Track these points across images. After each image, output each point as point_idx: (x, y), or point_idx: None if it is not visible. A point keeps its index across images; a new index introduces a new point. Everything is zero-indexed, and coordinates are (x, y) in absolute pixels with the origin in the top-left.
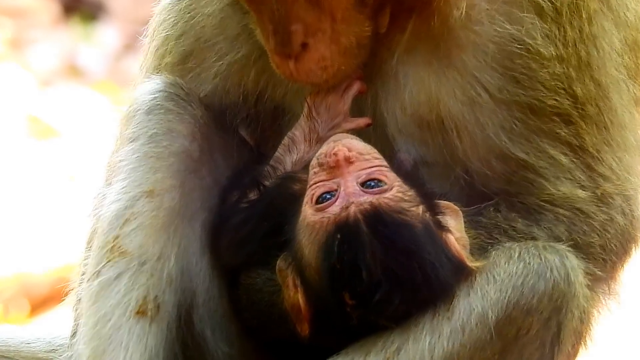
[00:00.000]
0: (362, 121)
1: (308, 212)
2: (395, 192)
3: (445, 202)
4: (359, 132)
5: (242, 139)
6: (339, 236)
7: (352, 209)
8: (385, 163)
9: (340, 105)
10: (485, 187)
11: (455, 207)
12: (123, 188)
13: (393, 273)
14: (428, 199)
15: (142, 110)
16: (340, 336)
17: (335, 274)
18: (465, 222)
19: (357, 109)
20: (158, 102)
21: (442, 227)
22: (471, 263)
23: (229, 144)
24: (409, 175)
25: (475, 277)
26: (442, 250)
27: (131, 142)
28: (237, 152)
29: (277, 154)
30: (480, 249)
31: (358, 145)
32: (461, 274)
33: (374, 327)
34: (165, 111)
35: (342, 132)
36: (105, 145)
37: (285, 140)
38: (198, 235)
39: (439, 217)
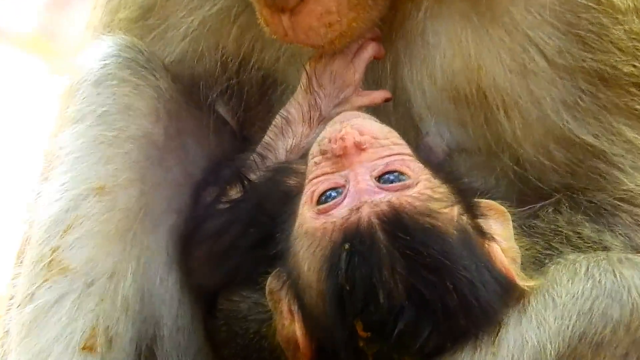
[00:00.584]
0: (378, 95)
1: (307, 215)
2: (422, 188)
3: (488, 201)
4: (374, 110)
5: (221, 119)
6: (347, 247)
7: (365, 211)
8: (408, 150)
9: (349, 75)
10: (542, 182)
11: (502, 207)
12: (64, 184)
13: (420, 296)
14: (465, 197)
15: (89, 81)
16: None
17: (343, 297)
18: (515, 227)
19: (372, 80)
20: (110, 71)
21: (485, 235)
22: (523, 281)
23: (204, 126)
24: (440, 167)
25: (529, 300)
26: (485, 265)
27: (75, 123)
28: (215, 136)
29: (266, 138)
30: (535, 263)
31: (372, 126)
32: (510, 295)
33: None
34: (119, 82)
35: (351, 110)
36: (40, 126)
37: (278, 120)
38: (163, 246)
39: (479, 221)
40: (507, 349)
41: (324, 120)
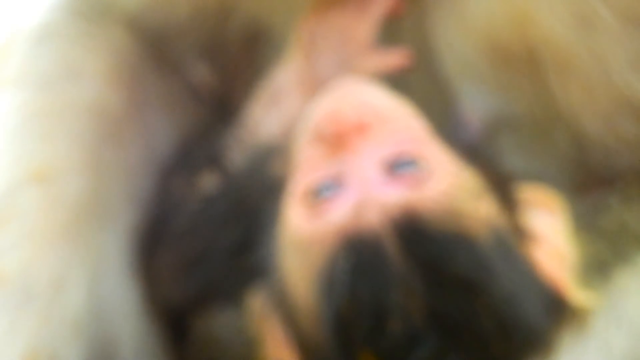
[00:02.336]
0: (395, 57)
1: (296, 216)
2: (443, 179)
3: (533, 189)
4: (390, 77)
5: (195, 85)
6: (347, 262)
7: (370, 212)
8: (425, 129)
9: (358, 30)
10: (605, 163)
11: (552, 197)
12: None
13: (443, 319)
14: (503, 185)
15: (30, 37)
16: None
17: (344, 324)
18: (569, 222)
19: (389, 36)
20: (56, 24)
21: (527, 235)
22: (579, 294)
23: (174, 92)
24: (470, 148)
25: (589, 317)
26: (526, 276)
27: (14, 86)
28: (188, 104)
29: (250, 112)
30: (596, 269)
31: (378, 99)
32: (561, 312)
33: None
34: (67, 38)
35: (358, 76)
36: None
37: (265, 89)
38: (121, 246)
39: (521, 216)
40: None
41: (323, 87)
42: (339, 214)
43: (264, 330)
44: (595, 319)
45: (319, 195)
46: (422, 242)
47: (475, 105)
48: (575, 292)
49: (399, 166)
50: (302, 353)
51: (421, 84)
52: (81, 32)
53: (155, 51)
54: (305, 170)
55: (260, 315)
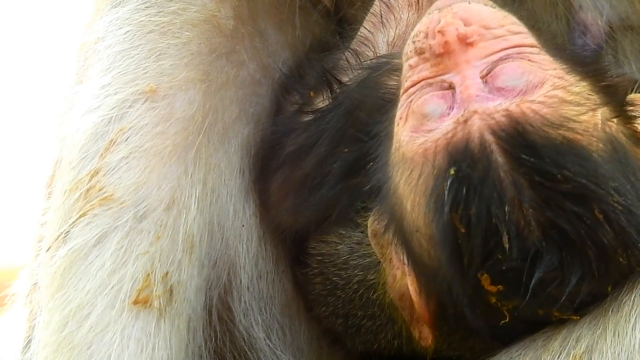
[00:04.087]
0: None
1: (403, 135)
2: (551, 89)
3: None
4: None
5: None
6: (453, 173)
7: (476, 123)
8: (531, 39)
9: None
10: None
11: None
12: (104, 87)
13: (561, 234)
14: (620, 93)
15: None
16: (486, 343)
17: (458, 243)
18: None
19: None
20: None
21: None
22: None
23: (287, 4)
24: (580, 57)
25: None
26: None
27: (116, 6)
28: (301, 18)
29: (362, 30)
30: None
31: (481, 12)
32: None
33: (543, 322)
34: None
35: None
36: (72, 13)
37: (376, 5)
38: (237, 165)
39: (636, 125)
40: None
41: (432, 3)
42: (446, 127)
43: (385, 253)
44: None
45: (425, 109)
46: (530, 151)
47: (598, 8)
48: None
49: (504, 76)
50: (422, 279)
51: None
52: None
53: None
54: (412, 84)
55: (380, 237)
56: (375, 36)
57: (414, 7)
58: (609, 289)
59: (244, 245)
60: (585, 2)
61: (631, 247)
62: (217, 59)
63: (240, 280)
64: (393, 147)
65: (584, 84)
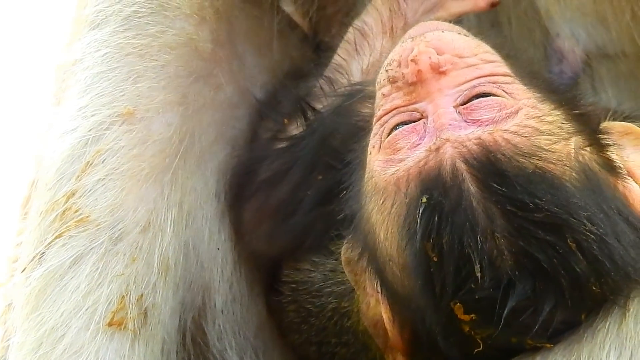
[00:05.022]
0: None
1: (376, 163)
2: (524, 118)
3: (623, 123)
4: (483, 13)
5: (287, 20)
6: (425, 201)
7: (448, 152)
8: (504, 68)
9: None
10: None
11: None
12: (82, 109)
13: (534, 263)
14: (590, 122)
15: None
16: None
17: (431, 272)
18: None
19: None
20: None
21: (618, 171)
22: None
23: (265, 29)
24: (564, 81)
25: None
26: (618, 212)
27: (94, 28)
28: (279, 42)
29: (336, 58)
30: None
31: (454, 40)
32: None
33: (517, 350)
34: None
35: (446, 17)
36: (50, 33)
37: (351, 33)
38: (212, 188)
39: (610, 152)
40: None
41: (407, 31)
42: (418, 155)
43: (359, 280)
44: None
45: (398, 138)
46: (502, 180)
47: (574, 36)
48: None
49: (476, 104)
50: (396, 307)
51: (518, 13)
52: None
53: None
54: (385, 112)
55: (354, 264)
56: (349, 63)
57: (387, 34)
58: (583, 317)
59: (219, 269)
60: (563, 30)
61: (604, 276)
62: (194, 82)
63: (215, 304)
64: (366, 175)
65: (558, 112)
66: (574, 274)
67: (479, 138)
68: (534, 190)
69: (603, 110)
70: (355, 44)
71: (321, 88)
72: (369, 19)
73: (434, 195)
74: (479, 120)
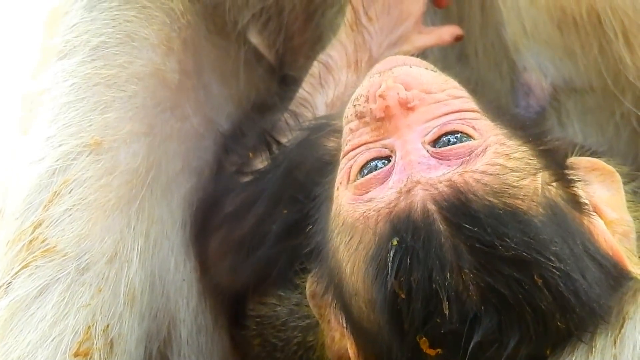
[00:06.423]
0: (446, 32)
1: (344, 200)
2: (493, 156)
3: (590, 159)
4: (452, 46)
5: (254, 52)
6: (396, 243)
7: (419, 194)
8: (472, 104)
9: (408, 4)
10: None
11: (609, 167)
12: (49, 138)
13: (499, 298)
14: (556, 158)
15: (81, 2)
16: None
17: (398, 308)
18: (631, 192)
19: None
20: None
21: (582, 207)
22: (635, 267)
23: (231, 60)
24: (531, 115)
25: None
26: (584, 248)
27: (62, 58)
28: (245, 73)
29: (301, 92)
30: None
31: (422, 76)
32: (624, 285)
33: None
34: (119, 4)
35: (411, 51)
36: (17, 62)
37: (315, 66)
38: (179, 219)
39: (576, 188)
40: (632, 349)
41: (374, 64)
42: (386, 197)
43: (324, 314)
44: None
45: (366, 175)
46: (472, 221)
47: (541, 69)
48: (638, 263)
49: (445, 142)
50: (361, 341)
51: (485, 46)
52: None
53: (210, 15)
54: (353, 148)
55: (318, 299)
56: (313, 97)
57: (352, 68)
58: (547, 352)
59: (184, 299)
60: (530, 63)
61: (569, 312)
62: (161, 112)
63: (180, 334)
64: (333, 210)
65: (525, 148)
66: (539, 310)
67: (450, 180)
68: (503, 229)
69: (570, 145)
70: (320, 78)
71: (286, 122)
72: (334, 53)
73: (405, 237)
74: (449, 159)
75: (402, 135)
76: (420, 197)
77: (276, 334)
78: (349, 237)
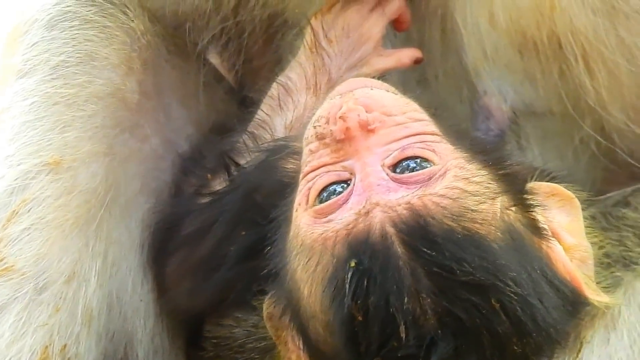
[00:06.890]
0: (405, 54)
1: (302, 222)
2: (452, 180)
3: (549, 184)
4: (412, 68)
5: (214, 73)
6: (354, 265)
7: (378, 216)
8: (432, 128)
9: (368, 27)
10: (634, 157)
11: (568, 192)
12: (8, 157)
13: (457, 323)
14: (516, 182)
15: (41, 21)
16: None
17: (355, 331)
18: (597, 217)
19: (414, 24)
20: (68, 9)
21: (542, 232)
22: (597, 295)
23: (191, 81)
24: (490, 140)
25: (620, 311)
26: (541, 273)
27: (22, 77)
28: (205, 94)
29: (259, 113)
30: (624, 263)
31: (383, 98)
32: (582, 310)
33: None
34: (80, 23)
35: (370, 74)
36: None
37: (274, 89)
38: (137, 239)
39: (535, 213)
40: None
41: (334, 86)
42: (345, 220)
43: (281, 337)
44: (625, 311)
45: (325, 197)
46: (430, 245)
47: (502, 93)
48: (595, 289)
49: (404, 166)
50: (316, 359)
51: (446, 69)
52: (94, 16)
53: (171, 36)
54: (312, 169)
55: (276, 320)
56: (272, 119)
57: (312, 90)
58: None
59: (142, 320)
60: (490, 87)
61: (526, 336)
62: (121, 132)
63: (137, 355)
64: (292, 232)
65: (484, 172)
66: (496, 334)
67: (409, 202)
68: (461, 253)
69: (530, 170)
70: (279, 100)
71: (245, 143)
72: (293, 75)
73: (363, 259)
74: (408, 182)
75: (362, 157)
76: (378, 219)
77: (233, 356)
78: (307, 259)
